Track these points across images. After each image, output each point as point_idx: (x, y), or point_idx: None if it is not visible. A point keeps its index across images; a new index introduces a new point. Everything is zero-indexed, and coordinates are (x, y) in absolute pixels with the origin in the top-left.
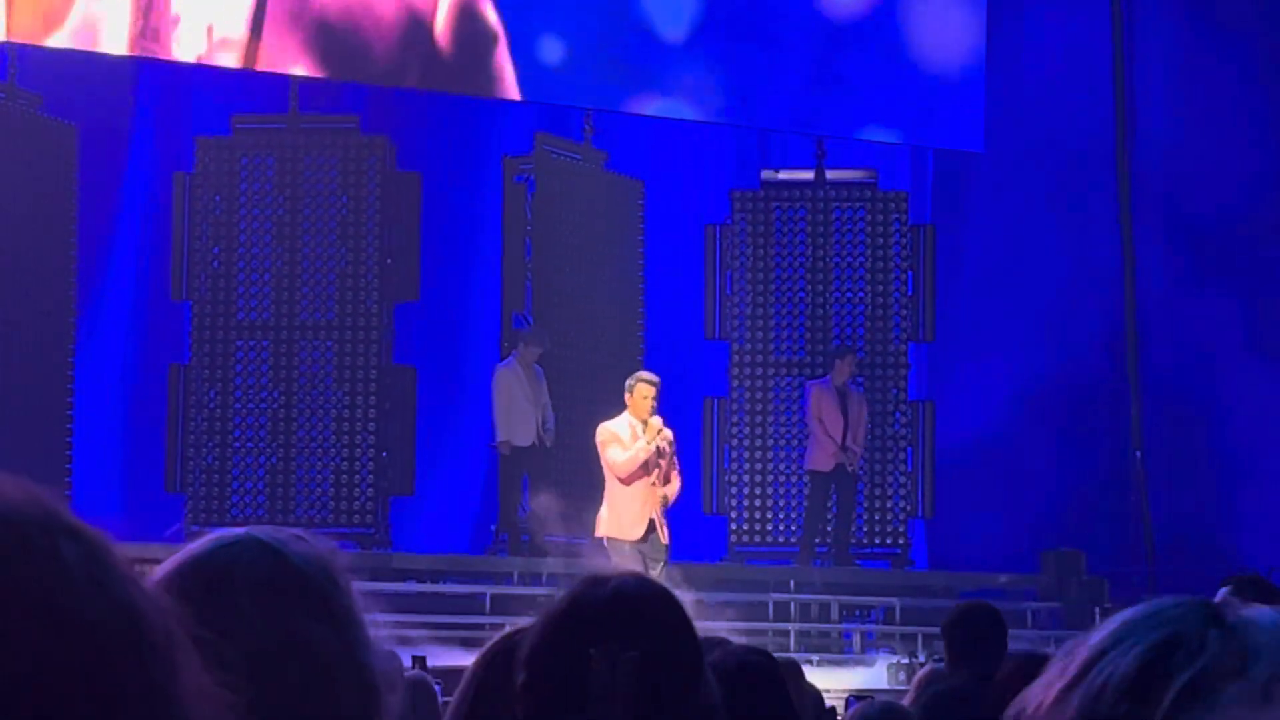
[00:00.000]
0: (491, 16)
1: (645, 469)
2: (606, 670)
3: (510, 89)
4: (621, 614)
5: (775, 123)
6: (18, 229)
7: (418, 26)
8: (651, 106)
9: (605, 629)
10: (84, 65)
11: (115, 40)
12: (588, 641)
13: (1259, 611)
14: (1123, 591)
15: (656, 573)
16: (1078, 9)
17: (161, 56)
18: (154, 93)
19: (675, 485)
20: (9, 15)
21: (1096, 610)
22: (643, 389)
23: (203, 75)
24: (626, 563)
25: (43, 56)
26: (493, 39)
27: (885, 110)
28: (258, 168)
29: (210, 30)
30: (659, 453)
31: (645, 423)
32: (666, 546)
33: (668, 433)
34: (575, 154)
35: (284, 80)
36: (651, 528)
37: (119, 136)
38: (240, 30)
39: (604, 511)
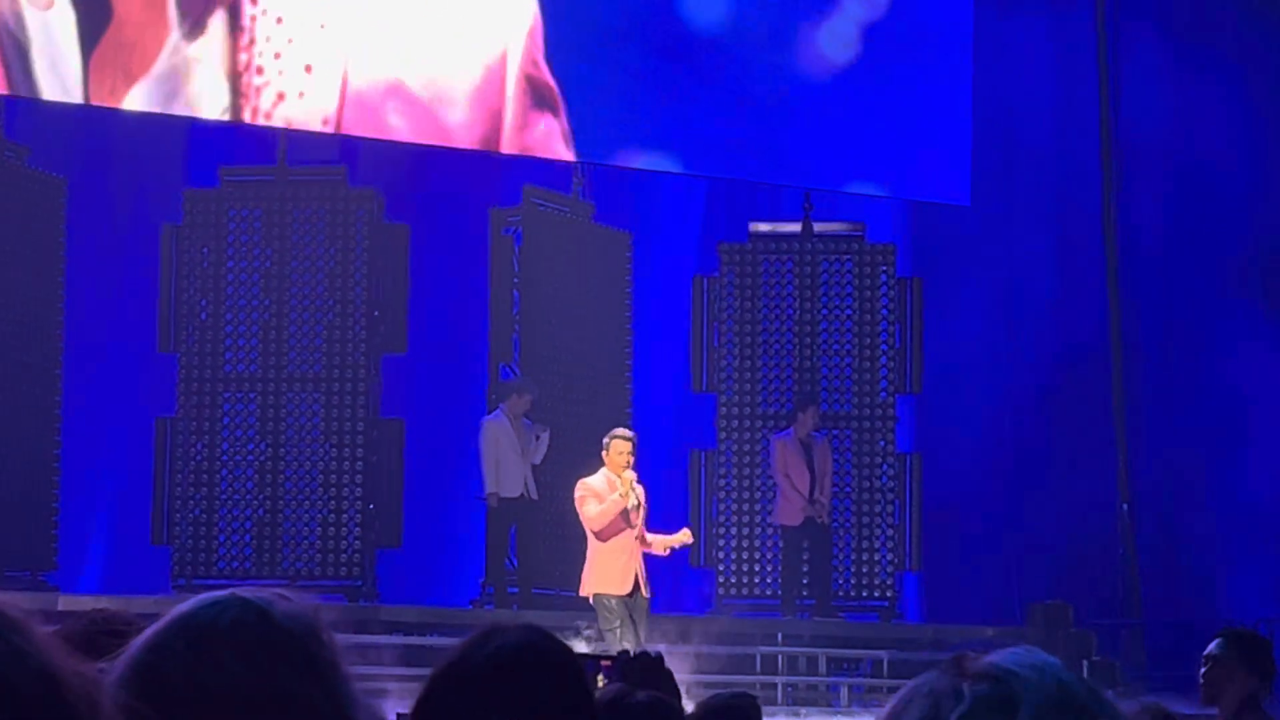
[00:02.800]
0: (550, 80)
1: (625, 521)
2: None
3: (564, 149)
4: (501, 676)
5: (762, 176)
6: (5, 281)
7: (489, 91)
8: (639, 160)
9: (485, 692)
10: (72, 118)
11: (210, 105)
12: (466, 705)
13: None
14: (1110, 644)
15: (642, 628)
16: (1064, 62)
17: (249, 122)
18: (142, 145)
19: (661, 540)
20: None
21: (1084, 663)
22: (618, 445)
23: (191, 128)
24: (613, 620)
25: (31, 108)
26: (554, 101)
27: (872, 164)
28: (245, 220)
29: (301, 97)
30: (637, 505)
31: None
32: (648, 600)
33: (639, 489)
34: (563, 206)
35: (272, 132)
36: (637, 583)
37: (107, 188)
38: (331, 99)
39: (587, 570)
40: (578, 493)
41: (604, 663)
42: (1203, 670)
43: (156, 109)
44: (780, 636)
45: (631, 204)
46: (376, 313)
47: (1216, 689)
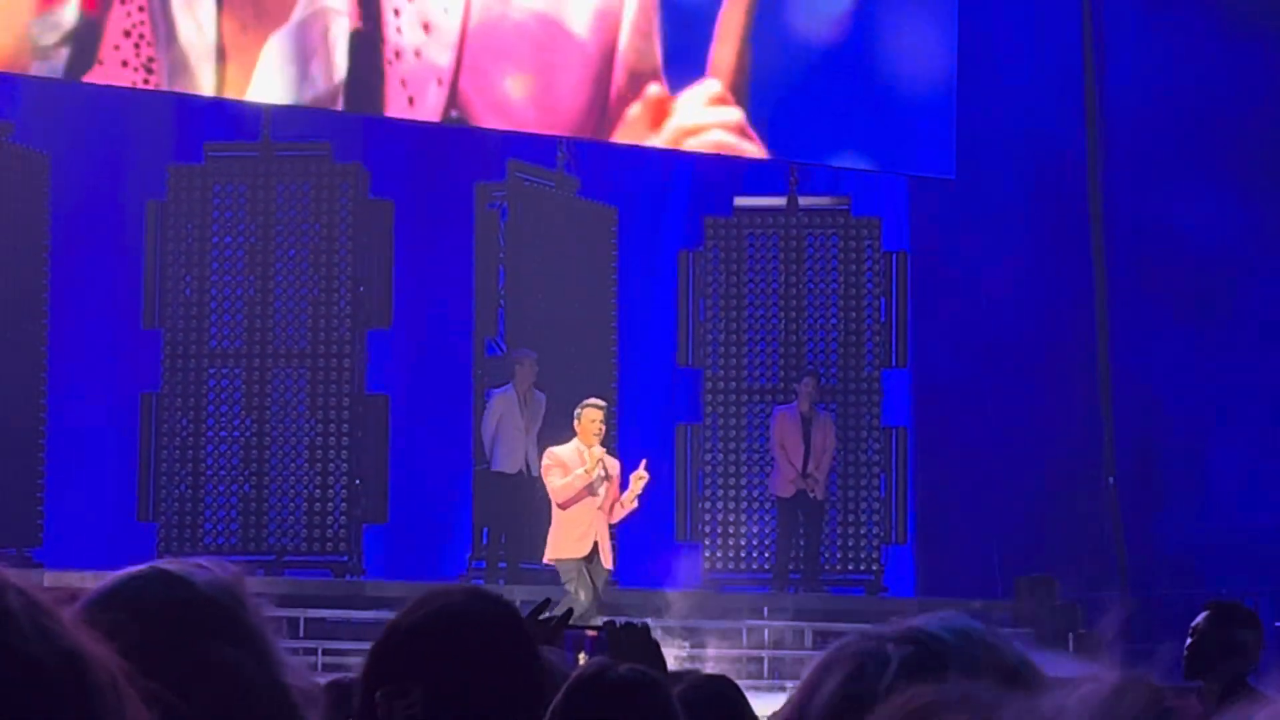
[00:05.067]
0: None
1: (589, 491)
2: None
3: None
4: (443, 629)
5: (747, 149)
6: None
7: (601, 78)
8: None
9: (428, 646)
10: (55, 93)
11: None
12: (409, 661)
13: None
14: (1097, 617)
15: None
16: (1049, 34)
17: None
18: (126, 121)
19: (620, 509)
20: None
21: (1070, 636)
22: (590, 414)
23: (175, 103)
24: (570, 577)
25: (14, 85)
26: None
27: (857, 137)
28: (230, 196)
29: (404, 83)
30: (605, 478)
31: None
32: (609, 571)
33: (612, 462)
34: (548, 181)
35: (255, 108)
36: (596, 549)
37: (91, 164)
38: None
39: (550, 536)
40: (544, 461)
41: (589, 633)
42: (1189, 644)
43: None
44: (766, 610)
45: (616, 179)
46: (361, 288)
47: (1203, 663)
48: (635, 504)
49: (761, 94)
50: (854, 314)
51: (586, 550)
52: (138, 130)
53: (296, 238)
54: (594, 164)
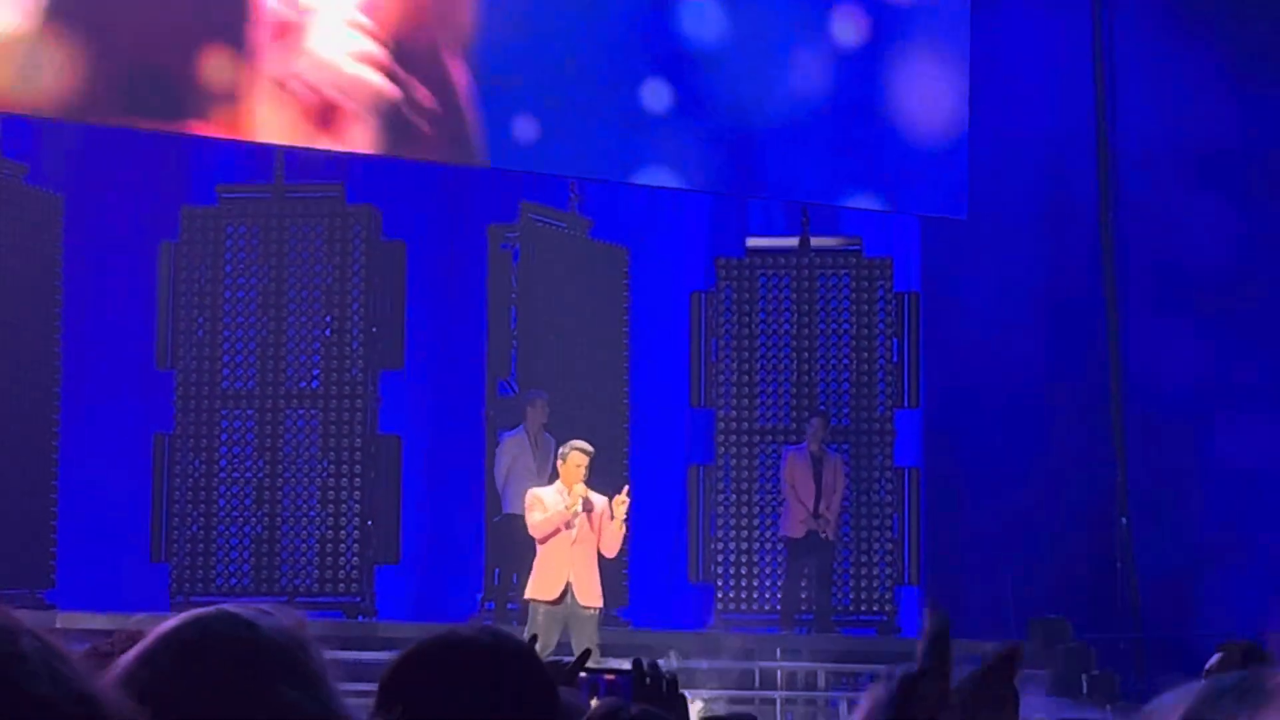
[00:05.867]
0: (462, 83)
1: (566, 526)
2: None
3: (479, 156)
4: (458, 659)
5: (759, 190)
6: (2, 298)
7: (394, 96)
8: (635, 175)
9: (442, 675)
10: (70, 134)
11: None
12: (422, 690)
13: None
14: (1109, 658)
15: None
16: (1061, 74)
17: (148, 127)
18: (140, 162)
19: (610, 537)
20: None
21: (1083, 676)
22: (574, 457)
23: (189, 145)
24: (539, 627)
25: (29, 125)
26: (463, 108)
27: (869, 177)
28: (243, 237)
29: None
30: (584, 511)
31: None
32: (595, 609)
33: (598, 499)
34: (560, 222)
35: (269, 149)
36: (569, 590)
37: (104, 205)
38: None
39: (531, 575)
40: (526, 501)
41: (607, 677)
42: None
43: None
44: (779, 652)
45: (628, 219)
46: (374, 329)
47: None
48: (622, 528)
49: (773, 135)
50: (866, 354)
51: (555, 594)
52: (151, 171)
53: (309, 279)
54: (606, 204)
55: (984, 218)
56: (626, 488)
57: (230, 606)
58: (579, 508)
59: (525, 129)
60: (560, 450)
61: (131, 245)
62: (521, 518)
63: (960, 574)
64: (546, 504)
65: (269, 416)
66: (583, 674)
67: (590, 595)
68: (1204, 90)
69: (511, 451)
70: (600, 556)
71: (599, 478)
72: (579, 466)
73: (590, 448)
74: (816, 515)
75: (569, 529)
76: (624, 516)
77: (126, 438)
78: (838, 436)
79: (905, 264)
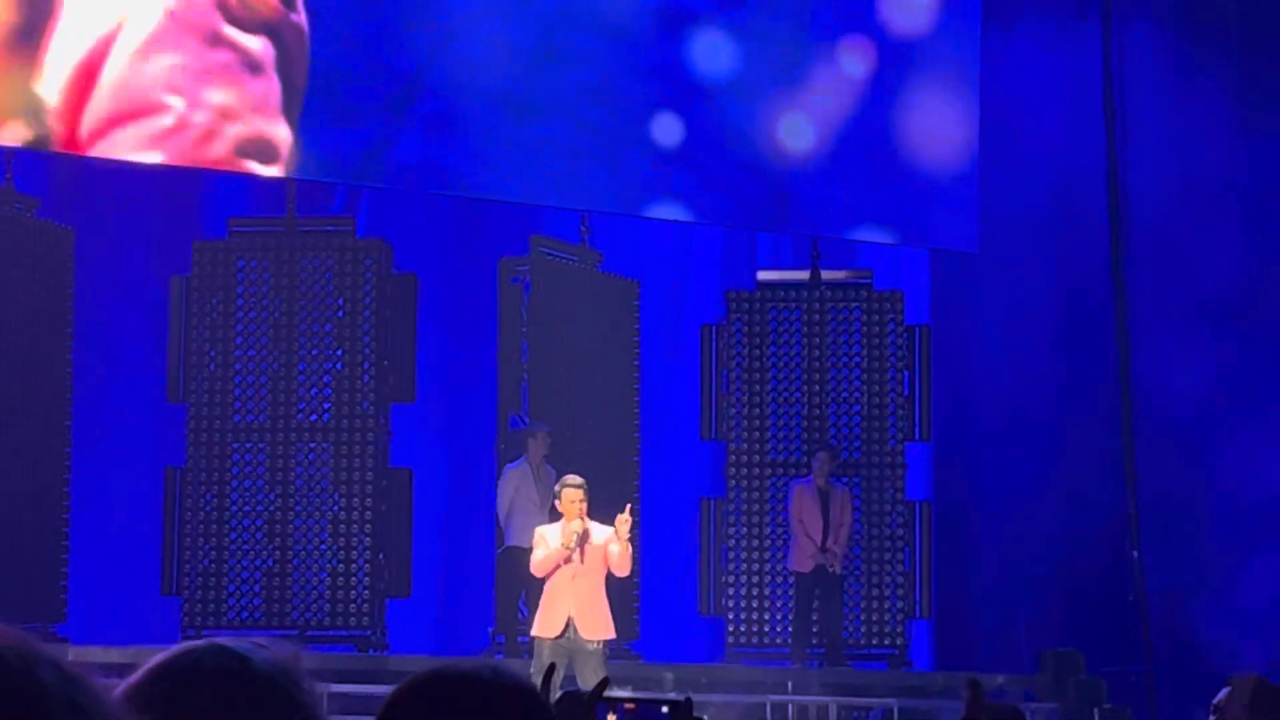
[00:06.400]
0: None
1: (566, 561)
2: None
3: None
4: (456, 690)
5: (769, 223)
6: (14, 332)
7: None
8: (646, 209)
9: (438, 704)
10: (81, 168)
11: None
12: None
13: None
14: (1121, 691)
15: (590, 669)
16: (1071, 106)
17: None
18: (151, 195)
19: (619, 558)
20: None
21: (1095, 711)
22: (567, 493)
23: (200, 178)
24: (537, 663)
25: (40, 159)
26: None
27: (879, 210)
28: (254, 270)
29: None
30: (580, 546)
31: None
32: (602, 642)
33: (601, 530)
34: (571, 255)
35: (281, 183)
36: (571, 625)
37: (116, 239)
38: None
39: (536, 611)
40: (533, 538)
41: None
42: (1211, 718)
43: None
44: (790, 685)
45: (639, 251)
46: (385, 362)
47: None
48: (629, 547)
49: (783, 168)
50: (877, 387)
51: (557, 630)
52: (163, 205)
53: (320, 312)
54: (616, 236)
55: (994, 250)
56: (630, 506)
57: (224, 640)
58: (573, 544)
59: (537, 161)
60: (554, 488)
61: (143, 279)
62: (527, 550)
63: (972, 607)
64: (549, 541)
65: (280, 450)
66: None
67: (593, 629)
68: (1213, 120)
69: (514, 483)
70: (609, 589)
71: (608, 510)
72: (573, 502)
73: (581, 480)
74: (824, 549)
75: (568, 564)
76: (628, 535)
77: (138, 471)
78: (848, 470)
79: (916, 296)
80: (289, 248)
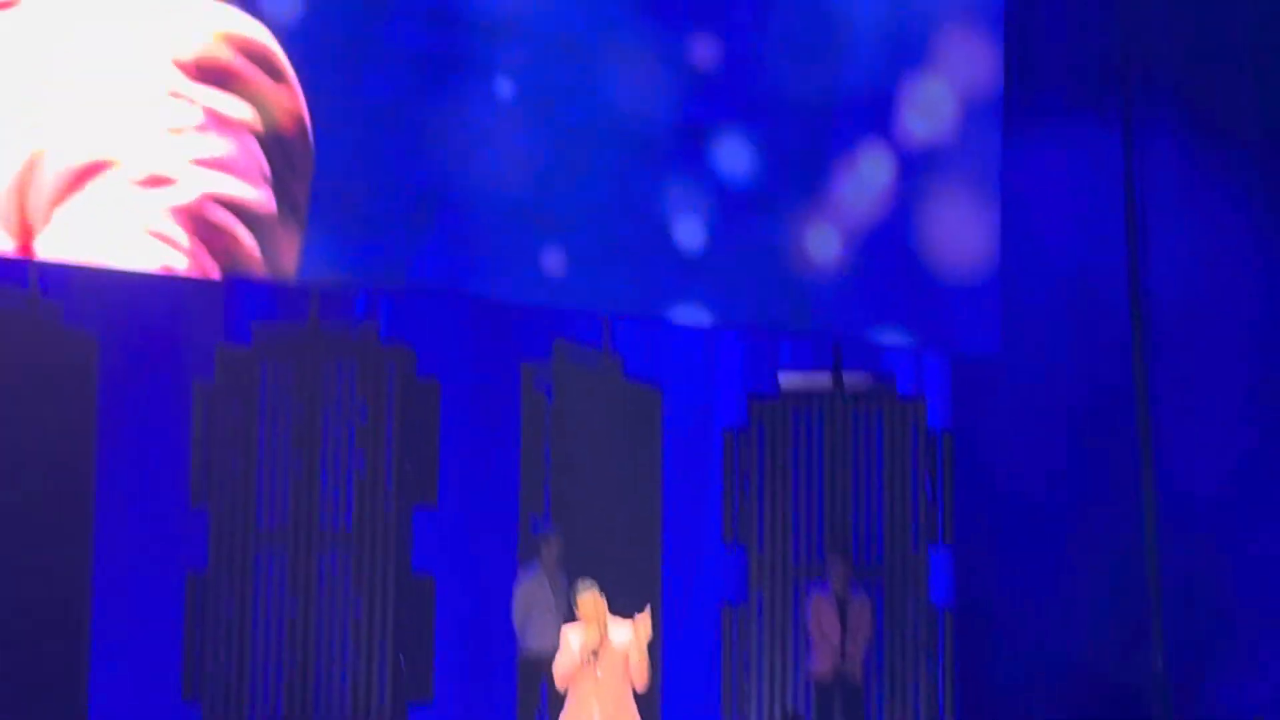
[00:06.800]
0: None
1: (584, 669)
2: None
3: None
4: None
5: (790, 326)
6: (37, 437)
7: None
8: (668, 312)
9: None
10: (105, 274)
11: None
12: None
13: None
14: None
15: None
16: (1093, 211)
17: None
18: (173, 300)
19: (635, 669)
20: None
21: None
22: (581, 603)
23: (223, 284)
24: None
25: (62, 266)
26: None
27: (899, 313)
28: (277, 375)
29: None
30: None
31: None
32: None
33: (620, 630)
34: (593, 361)
35: (304, 289)
36: None
37: (139, 345)
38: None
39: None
40: (560, 639)
41: None
42: None
43: None
44: None
45: (660, 353)
46: (408, 467)
47: None
48: (645, 656)
49: (805, 271)
50: (899, 492)
51: None
52: (185, 309)
53: (343, 417)
54: (637, 339)
55: (1016, 352)
56: (648, 607)
57: None
58: (593, 646)
59: (555, 263)
60: (570, 595)
61: (165, 384)
62: (546, 658)
63: (995, 714)
64: (572, 646)
65: (302, 555)
66: None
67: None
68: (1234, 220)
69: (530, 592)
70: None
71: (632, 614)
72: (589, 604)
73: (590, 582)
74: (844, 657)
75: (591, 666)
76: (643, 644)
77: (160, 575)
78: (869, 574)
79: (938, 399)
80: (312, 352)
